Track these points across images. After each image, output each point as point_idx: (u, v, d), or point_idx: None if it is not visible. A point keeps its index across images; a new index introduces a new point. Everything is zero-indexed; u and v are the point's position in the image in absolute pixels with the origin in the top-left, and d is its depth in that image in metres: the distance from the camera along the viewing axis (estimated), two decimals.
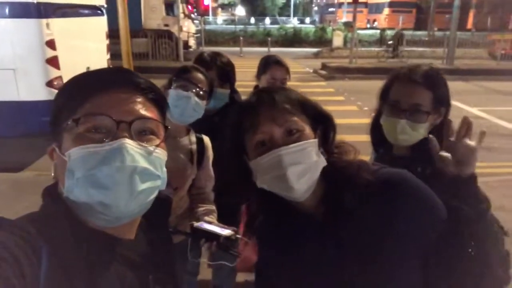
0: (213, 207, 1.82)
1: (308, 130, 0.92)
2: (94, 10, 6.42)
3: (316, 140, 0.92)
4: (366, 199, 0.92)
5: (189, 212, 1.85)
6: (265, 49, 18.74)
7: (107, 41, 6.89)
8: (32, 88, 4.82)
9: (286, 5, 54.26)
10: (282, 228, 1.02)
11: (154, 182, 0.75)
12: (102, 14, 6.72)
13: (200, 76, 1.74)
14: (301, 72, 14.03)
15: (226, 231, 1.47)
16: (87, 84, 0.74)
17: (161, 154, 0.77)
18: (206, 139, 1.86)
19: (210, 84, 1.78)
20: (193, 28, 17.25)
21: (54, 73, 4.92)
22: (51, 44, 4.83)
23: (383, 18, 35.49)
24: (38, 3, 4.67)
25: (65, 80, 4.82)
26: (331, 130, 0.97)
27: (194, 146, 1.81)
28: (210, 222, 1.59)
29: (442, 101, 1.36)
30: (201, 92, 1.70)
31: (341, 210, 0.93)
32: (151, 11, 14.62)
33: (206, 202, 1.84)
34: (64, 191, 0.71)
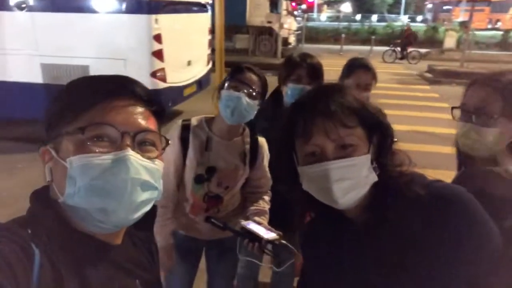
0: (266, 208, 1.83)
1: (362, 143, 0.88)
2: (199, 7, 6.79)
3: (368, 155, 0.88)
4: (414, 213, 0.87)
5: (241, 210, 1.89)
6: (367, 47, 18.05)
7: (209, 37, 7.25)
8: (138, 78, 5.21)
9: (397, 1, 51.45)
10: (324, 231, 1.02)
11: (153, 193, 0.77)
12: (206, 11, 7.09)
13: (253, 76, 1.73)
14: (403, 74, 13.22)
15: (270, 235, 1.48)
16: (91, 91, 0.74)
17: (159, 166, 0.78)
18: (261, 139, 1.86)
19: (263, 85, 1.76)
20: (294, 25, 17.32)
21: (158, 65, 5.34)
22: (158, 38, 5.24)
23: (508, 18, 31.65)
24: (150, 1, 5.10)
25: (168, 71, 5.22)
26: (387, 140, 0.92)
27: (248, 147, 1.82)
28: (259, 223, 1.60)
29: None
30: (253, 93, 1.70)
31: (383, 221, 0.89)
32: (256, 8, 15.02)
33: (260, 202, 1.86)
34: (63, 197, 0.71)
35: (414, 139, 6.16)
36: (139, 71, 5.18)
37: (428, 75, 12.58)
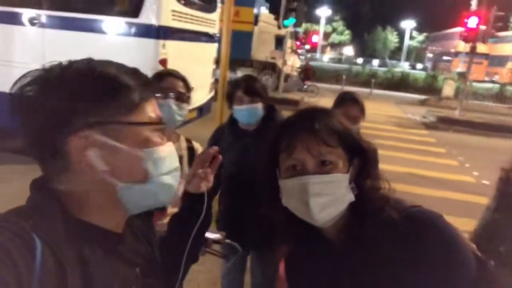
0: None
1: (342, 163, 0.92)
2: (207, 37, 6.97)
3: (347, 175, 0.92)
4: (388, 236, 0.88)
5: None
6: (367, 89, 18.40)
7: (214, 66, 7.41)
8: None
9: (398, 49, 52.94)
10: (304, 253, 1.04)
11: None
12: (214, 42, 7.28)
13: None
14: (401, 117, 13.42)
15: (214, 235, 1.63)
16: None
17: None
18: (197, 145, 1.96)
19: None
20: (297, 63, 17.74)
21: None
22: (163, 62, 5.35)
23: (505, 72, 32.52)
24: (159, 26, 5.24)
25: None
26: (367, 164, 0.95)
27: (185, 152, 1.90)
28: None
29: None
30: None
31: (359, 243, 0.91)
32: (262, 44, 15.42)
33: None
34: (130, 183, 0.73)
35: (409, 181, 6.18)
36: None
37: (426, 120, 12.80)
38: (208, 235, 1.58)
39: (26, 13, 5.38)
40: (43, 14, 5.34)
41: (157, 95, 0.82)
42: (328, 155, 0.90)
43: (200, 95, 6.95)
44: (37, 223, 0.65)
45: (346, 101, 2.43)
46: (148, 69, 5.22)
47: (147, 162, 0.74)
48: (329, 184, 0.89)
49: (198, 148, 1.94)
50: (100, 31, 5.30)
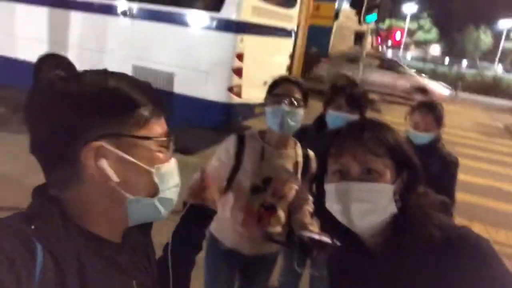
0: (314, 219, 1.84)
1: (388, 174, 0.92)
2: (284, 32, 6.97)
3: (391, 186, 0.92)
4: (426, 254, 0.86)
5: (288, 222, 1.89)
6: (453, 91, 17.16)
7: (289, 61, 7.41)
8: (217, 90, 5.55)
9: (491, 50, 48.56)
10: (344, 255, 1.07)
11: None
12: (290, 36, 7.27)
13: (290, 86, 1.78)
14: (489, 125, 12.32)
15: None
16: (153, 101, 0.77)
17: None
18: (311, 153, 1.92)
19: (303, 91, 1.81)
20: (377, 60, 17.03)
21: (236, 81, 5.56)
22: (240, 56, 5.46)
23: None
24: (238, 21, 5.36)
25: (244, 88, 5.48)
26: (415, 179, 0.95)
27: (300, 159, 1.88)
28: (315, 232, 1.59)
29: None
30: (294, 101, 1.75)
31: (396, 258, 0.91)
32: (341, 39, 15.04)
33: (307, 213, 1.86)
34: (138, 196, 0.75)
35: (492, 195, 5.69)
36: (218, 84, 5.45)
37: None
38: (326, 240, 1.46)
39: (119, 5, 5.82)
40: (134, 7, 5.73)
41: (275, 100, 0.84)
42: (373, 164, 0.92)
43: None
44: (38, 228, 0.65)
45: (421, 108, 2.42)
46: (225, 62, 5.45)
47: (156, 177, 0.76)
48: (372, 192, 0.91)
49: (313, 156, 1.91)
50: (183, 23, 5.56)
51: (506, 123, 12.45)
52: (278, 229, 1.87)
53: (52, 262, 0.64)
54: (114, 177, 0.70)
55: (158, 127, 0.77)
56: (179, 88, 5.64)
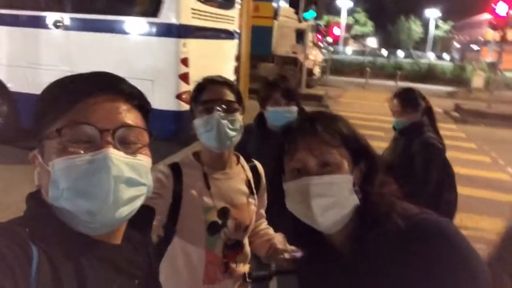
0: (281, 233, 1.59)
1: (345, 165, 0.90)
2: (227, 34, 6.91)
3: (350, 177, 0.90)
4: (394, 245, 0.85)
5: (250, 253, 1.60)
6: (392, 82, 17.99)
7: (235, 64, 7.35)
8: (165, 99, 5.35)
9: (423, 39, 51.59)
10: (312, 258, 1.04)
11: (140, 189, 0.75)
12: (234, 38, 7.22)
13: (220, 88, 1.43)
14: None
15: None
16: (69, 91, 0.72)
17: (145, 161, 0.76)
18: (258, 164, 1.62)
19: (236, 91, 1.48)
20: (320, 57, 17.45)
21: (184, 87, 5.40)
22: (185, 61, 5.32)
23: None
24: (180, 25, 5.21)
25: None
26: (373, 169, 0.93)
27: (250, 173, 1.56)
28: (288, 251, 1.44)
29: None
30: (229, 106, 1.42)
31: (365, 252, 0.89)
32: (282, 38, 15.25)
33: (269, 231, 1.64)
34: (49, 200, 0.70)
35: None
36: (165, 93, 5.25)
37: (455, 114, 12.36)
38: None
39: (50, 16, 5.45)
40: (66, 17, 5.40)
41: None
42: (330, 155, 0.89)
43: None
44: (33, 231, 0.66)
45: (395, 95, 2.65)
46: (170, 68, 5.28)
47: (53, 175, 0.69)
48: (331, 185, 0.88)
49: (261, 167, 1.63)
50: (121, 31, 5.33)
51: (445, 107, 13.20)
52: (246, 266, 1.55)
53: (48, 263, 0.64)
54: (36, 181, 0.73)
55: (68, 118, 0.70)
56: None
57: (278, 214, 1.02)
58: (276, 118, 2.12)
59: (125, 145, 0.73)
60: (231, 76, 7.33)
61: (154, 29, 5.22)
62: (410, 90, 2.73)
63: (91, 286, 0.69)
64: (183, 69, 5.33)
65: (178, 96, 5.35)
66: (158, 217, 1.32)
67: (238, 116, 1.44)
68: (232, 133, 1.41)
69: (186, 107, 5.50)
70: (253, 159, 1.64)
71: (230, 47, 7.12)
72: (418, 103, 2.61)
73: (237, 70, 7.43)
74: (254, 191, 1.55)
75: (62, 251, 0.67)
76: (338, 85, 17.04)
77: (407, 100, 2.62)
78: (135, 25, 5.30)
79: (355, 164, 0.92)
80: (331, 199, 0.88)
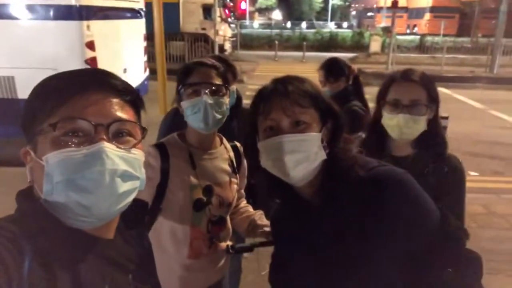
0: (260, 210, 1.69)
1: (315, 123, 0.99)
2: (133, 13, 6.59)
3: (319, 134, 0.99)
4: (355, 192, 0.96)
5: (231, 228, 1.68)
6: (300, 53, 18.65)
7: (145, 43, 7.07)
8: None
9: (324, 9, 53.87)
10: (284, 211, 1.14)
11: (134, 183, 0.77)
12: (141, 17, 6.90)
13: (207, 70, 1.48)
14: None
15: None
16: (62, 87, 0.73)
17: (139, 155, 0.78)
18: (239, 145, 1.68)
19: (223, 73, 1.52)
20: (229, 32, 17.44)
21: None
22: (90, 45, 4.99)
23: (423, 24, 34.49)
24: (80, 6, 4.84)
25: None
26: (338, 127, 1.03)
27: (232, 153, 1.64)
28: (267, 225, 1.53)
29: (435, 99, 1.51)
30: (217, 88, 1.47)
31: (330, 201, 1.00)
32: (189, 15, 14.90)
33: (248, 209, 1.73)
34: (43, 195, 0.70)
35: None
36: None
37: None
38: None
39: None
40: None
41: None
42: (301, 115, 0.97)
43: (135, 75, 6.64)
44: (26, 228, 0.66)
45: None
46: (75, 53, 4.91)
47: (48, 169, 0.69)
48: (302, 142, 0.96)
49: (240, 147, 1.67)
50: (13, 17, 4.79)
51: None
52: (228, 242, 1.63)
53: (41, 261, 0.64)
54: (28, 177, 0.73)
55: (62, 112, 0.70)
56: (24, 92, 4.91)
57: (252, 173, 1.09)
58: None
59: (119, 139, 0.74)
60: (143, 57, 7.06)
61: (53, 12, 4.79)
62: (332, 60, 2.79)
63: (85, 282, 0.69)
64: (90, 54, 5.00)
65: None
66: (148, 193, 1.41)
67: (225, 99, 1.50)
68: (219, 116, 1.47)
69: None
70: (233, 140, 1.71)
71: (137, 27, 6.82)
72: (340, 73, 2.68)
73: (146, 51, 7.17)
74: (236, 170, 1.63)
75: (55, 247, 0.67)
76: (250, 59, 17.21)
77: (329, 70, 2.70)
78: (33, 9, 4.80)
79: (323, 123, 1.01)
80: (302, 155, 0.96)
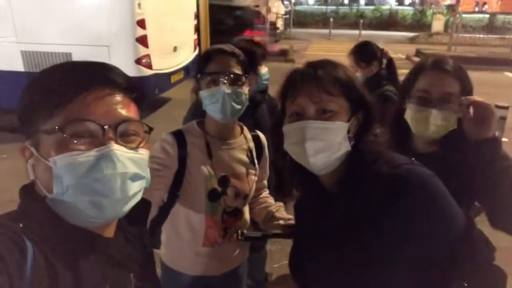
0: (280, 202, 1.66)
1: (343, 113, 0.95)
2: None
3: (345, 124, 0.94)
4: (375, 188, 0.92)
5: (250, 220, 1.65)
6: (356, 31, 17.96)
7: (195, 21, 7.08)
8: (123, 65, 5.10)
9: None
10: (306, 199, 1.14)
11: (142, 183, 0.77)
12: None
13: (227, 59, 1.43)
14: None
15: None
16: (67, 83, 0.70)
17: (144, 154, 0.77)
18: (262, 135, 1.64)
19: (243, 61, 1.46)
20: (282, 9, 17.08)
21: (143, 51, 5.19)
22: (141, 23, 5.08)
23: (495, 1, 31.72)
24: None
25: (153, 58, 5.06)
26: (370, 119, 0.98)
27: (252, 144, 1.59)
28: (285, 217, 1.50)
29: (469, 93, 1.30)
30: (236, 78, 1.42)
31: (349, 193, 0.96)
32: None
33: (268, 200, 1.68)
34: (51, 195, 0.69)
35: None
36: (123, 58, 5.04)
37: (416, 58, 12.57)
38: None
39: None
40: None
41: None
42: (329, 103, 0.93)
43: (185, 54, 6.71)
44: (27, 226, 0.66)
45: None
46: (127, 31, 5.02)
47: (56, 171, 0.68)
48: (326, 130, 0.93)
49: (263, 138, 1.65)
50: None
51: (407, 53, 13.39)
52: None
53: (43, 258, 0.64)
54: (31, 175, 0.71)
55: (69, 113, 0.68)
56: None
57: (277, 154, 1.09)
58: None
59: (126, 138, 0.74)
60: (193, 35, 7.09)
61: None
62: (363, 44, 2.69)
63: (87, 280, 0.69)
64: (140, 32, 5.10)
65: (138, 61, 5.16)
66: (164, 182, 1.41)
67: (245, 89, 1.45)
68: (237, 106, 1.43)
69: (147, 72, 5.36)
70: (256, 130, 1.67)
71: (188, 5, 6.84)
72: (372, 57, 2.57)
73: (196, 28, 7.19)
74: (256, 161, 1.58)
75: (56, 245, 0.67)
76: (302, 38, 16.84)
77: (359, 55, 2.59)
78: None
79: (352, 113, 0.96)
80: (323, 143, 0.93)
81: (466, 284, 0.92)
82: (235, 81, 1.42)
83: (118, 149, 0.70)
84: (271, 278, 2.74)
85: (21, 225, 0.65)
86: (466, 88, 1.30)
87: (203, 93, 1.43)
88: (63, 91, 0.69)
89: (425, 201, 0.88)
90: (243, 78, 1.44)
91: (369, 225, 0.92)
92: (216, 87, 1.40)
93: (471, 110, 1.14)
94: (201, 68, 1.45)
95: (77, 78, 0.71)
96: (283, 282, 2.73)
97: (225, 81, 1.40)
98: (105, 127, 0.70)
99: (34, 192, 0.72)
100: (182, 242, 1.52)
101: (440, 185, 0.90)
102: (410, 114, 1.34)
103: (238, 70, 1.43)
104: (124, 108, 0.74)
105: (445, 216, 0.90)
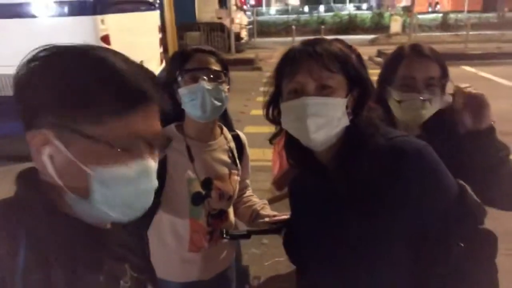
0: (264, 200, 1.67)
1: (341, 89, 0.97)
2: (147, 5, 6.59)
3: (344, 99, 0.97)
4: (372, 159, 0.95)
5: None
6: (318, 37, 18.30)
7: (160, 35, 7.07)
8: None
9: None
10: (303, 175, 1.14)
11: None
12: (155, 9, 6.90)
13: (205, 56, 1.42)
14: None
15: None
16: (123, 94, 0.68)
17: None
18: (242, 135, 1.64)
19: (222, 60, 1.46)
20: (245, 20, 17.24)
21: None
22: (106, 39, 5.01)
23: (446, 1, 33.27)
24: (94, 1, 4.85)
25: None
26: (366, 95, 1.00)
27: (233, 144, 1.58)
28: (270, 215, 1.50)
29: (447, 74, 1.37)
30: (216, 75, 1.41)
31: (348, 166, 0.98)
32: (205, 4, 14.77)
33: (252, 198, 1.68)
34: (76, 196, 0.69)
35: None
36: None
37: (378, 59, 12.95)
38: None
39: None
40: None
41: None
42: (328, 79, 0.95)
43: (152, 67, 6.56)
44: (21, 216, 0.66)
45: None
46: None
47: (94, 180, 0.68)
48: (326, 106, 0.94)
49: (244, 138, 1.65)
50: (29, 15, 4.84)
51: (369, 54, 13.78)
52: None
53: (36, 248, 0.64)
54: (50, 168, 0.67)
55: (122, 126, 0.67)
56: None
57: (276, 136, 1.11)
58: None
59: (152, 151, 0.75)
60: (158, 49, 7.06)
61: (66, 9, 4.82)
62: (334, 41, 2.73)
63: (81, 270, 0.69)
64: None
65: None
66: None
67: (224, 86, 1.43)
68: (218, 103, 1.40)
69: None
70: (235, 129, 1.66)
71: (152, 19, 6.83)
72: None
73: (162, 42, 7.17)
74: (237, 161, 1.57)
75: (51, 236, 0.67)
76: (267, 47, 17.03)
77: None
78: (44, 6, 4.84)
79: (349, 89, 0.98)
80: (325, 119, 0.95)
81: (462, 245, 0.95)
82: (215, 78, 1.41)
83: (153, 163, 0.73)
84: (259, 281, 2.74)
85: (15, 214, 0.65)
86: (445, 71, 1.35)
87: (182, 91, 1.41)
88: (120, 102, 0.67)
89: (421, 168, 0.92)
90: (223, 75, 1.44)
91: (368, 195, 0.95)
92: (196, 84, 1.38)
93: (465, 101, 1.19)
94: (179, 66, 1.42)
95: (135, 90, 0.68)
96: (270, 284, 2.73)
97: (205, 77, 1.38)
98: (150, 143, 0.72)
99: (32, 179, 0.71)
100: (167, 249, 1.48)
101: (434, 154, 0.95)
102: (394, 101, 1.35)
103: (217, 67, 1.43)
104: (158, 122, 0.75)
105: (439, 182, 0.94)
